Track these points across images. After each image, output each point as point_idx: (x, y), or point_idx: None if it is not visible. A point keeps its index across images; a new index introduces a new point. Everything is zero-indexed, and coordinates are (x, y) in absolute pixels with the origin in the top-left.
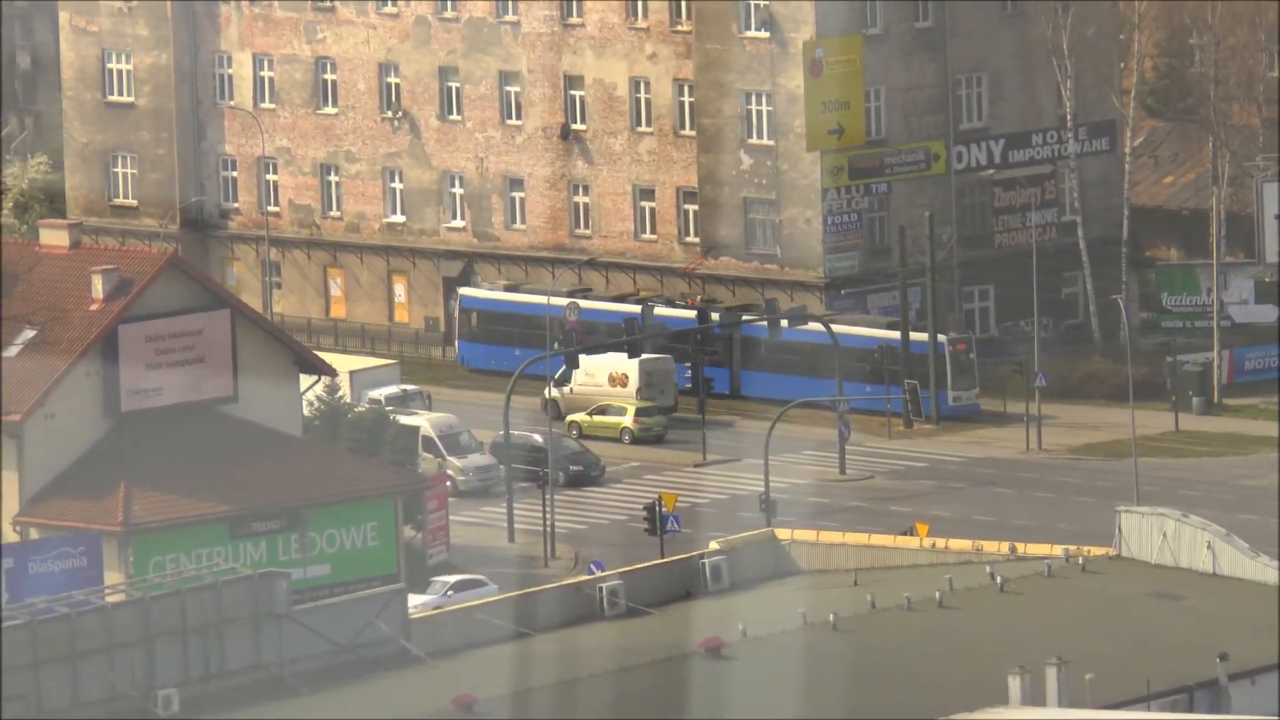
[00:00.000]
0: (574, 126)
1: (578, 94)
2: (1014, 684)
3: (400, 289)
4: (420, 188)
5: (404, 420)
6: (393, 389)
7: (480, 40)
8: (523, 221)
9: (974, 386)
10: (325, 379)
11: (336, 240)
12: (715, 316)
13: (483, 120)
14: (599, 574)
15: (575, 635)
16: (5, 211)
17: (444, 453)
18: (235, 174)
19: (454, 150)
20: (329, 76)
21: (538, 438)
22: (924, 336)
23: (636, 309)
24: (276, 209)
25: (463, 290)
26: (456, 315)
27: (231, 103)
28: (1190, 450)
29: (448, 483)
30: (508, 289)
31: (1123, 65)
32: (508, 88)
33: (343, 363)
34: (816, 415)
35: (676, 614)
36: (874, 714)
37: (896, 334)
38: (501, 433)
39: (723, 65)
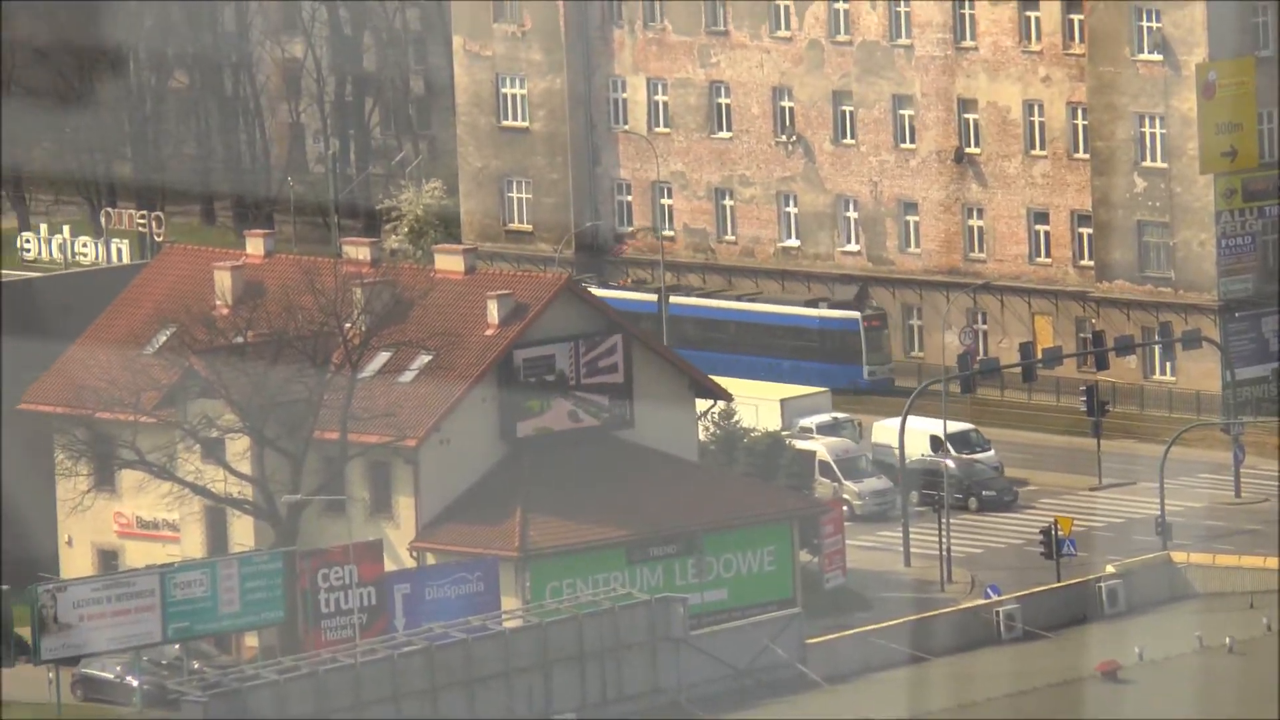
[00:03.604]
0: (967, 150)
1: (971, 117)
2: None
3: None
4: (814, 211)
5: (800, 445)
6: (824, 417)
7: (873, 64)
8: (917, 245)
9: (888, 361)
10: (720, 403)
11: (731, 264)
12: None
13: (876, 144)
14: (996, 598)
15: (971, 659)
16: (400, 237)
17: (840, 477)
18: (630, 198)
19: (848, 174)
20: (723, 100)
21: (950, 462)
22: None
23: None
24: (671, 233)
25: None
26: None
27: (625, 127)
28: None
29: (844, 507)
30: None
31: None
32: (901, 111)
33: (774, 391)
34: (1211, 438)
35: (1073, 638)
36: None
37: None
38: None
39: (1115, 88)
